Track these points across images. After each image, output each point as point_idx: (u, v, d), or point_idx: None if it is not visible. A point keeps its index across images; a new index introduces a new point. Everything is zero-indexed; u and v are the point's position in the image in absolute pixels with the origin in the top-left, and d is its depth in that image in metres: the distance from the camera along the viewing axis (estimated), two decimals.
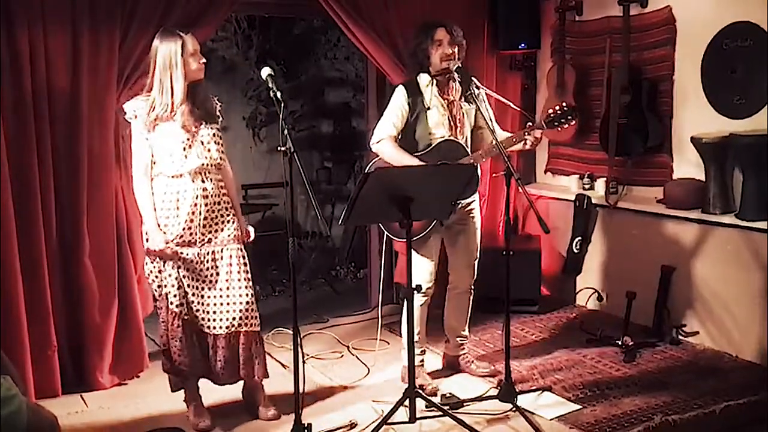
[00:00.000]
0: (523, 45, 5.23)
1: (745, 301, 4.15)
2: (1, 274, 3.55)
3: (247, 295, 3.43)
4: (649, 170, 4.76)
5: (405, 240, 3.34)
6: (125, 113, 3.39)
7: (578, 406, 3.61)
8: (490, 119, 3.60)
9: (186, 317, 3.41)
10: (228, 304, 3.42)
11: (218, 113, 3.49)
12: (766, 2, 3.96)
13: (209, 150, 3.38)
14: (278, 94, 3.12)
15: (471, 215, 3.89)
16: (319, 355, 4.40)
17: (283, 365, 4.18)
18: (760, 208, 4.02)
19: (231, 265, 3.43)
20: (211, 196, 3.39)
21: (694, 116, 4.45)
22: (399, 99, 3.74)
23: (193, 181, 3.34)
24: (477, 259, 3.96)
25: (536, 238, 5.24)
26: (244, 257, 3.47)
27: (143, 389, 3.92)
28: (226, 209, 3.46)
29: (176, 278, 3.38)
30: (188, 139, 3.33)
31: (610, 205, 4.87)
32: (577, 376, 3.98)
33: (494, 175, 5.00)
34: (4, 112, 3.58)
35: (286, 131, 3.03)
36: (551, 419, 3.49)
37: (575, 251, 5.15)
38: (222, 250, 3.42)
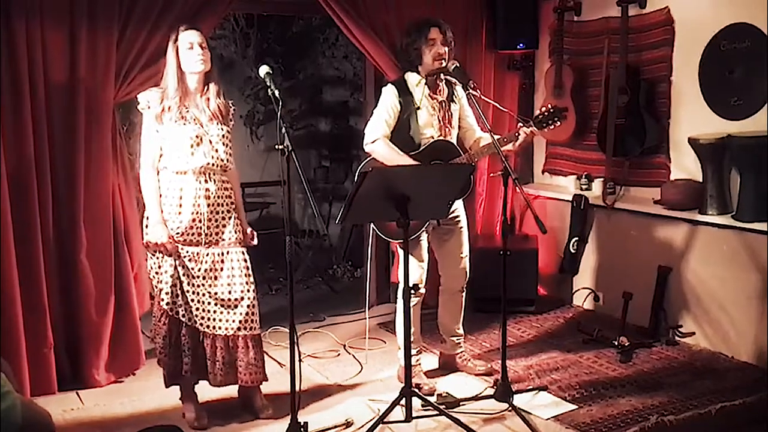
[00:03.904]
0: (521, 45, 5.24)
1: (741, 302, 4.15)
2: None
3: (248, 299, 3.43)
4: (647, 171, 4.76)
5: (398, 240, 3.34)
6: (138, 103, 3.40)
7: (574, 406, 3.61)
8: (484, 121, 3.58)
9: (175, 316, 3.41)
10: (229, 307, 3.41)
11: (231, 115, 3.49)
12: (765, 3, 3.96)
13: (217, 150, 3.38)
14: (276, 93, 3.12)
15: (456, 219, 3.89)
16: (315, 353, 4.40)
17: (279, 364, 4.18)
18: (757, 209, 4.02)
19: (233, 268, 3.42)
20: (213, 197, 3.38)
21: (692, 117, 4.45)
22: (390, 98, 3.73)
23: (197, 180, 3.34)
24: (467, 260, 3.95)
25: (533, 238, 5.25)
26: (246, 260, 3.47)
27: (139, 387, 3.92)
28: (229, 211, 3.45)
29: (172, 276, 3.38)
30: (197, 137, 3.33)
31: (608, 206, 4.87)
32: (573, 376, 3.99)
33: (492, 174, 5.01)
34: (2, 108, 3.57)
35: (283, 129, 3.03)
36: (547, 419, 3.49)
37: (572, 251, 5.16)
38: (223, 253, 3.42)
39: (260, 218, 6.36)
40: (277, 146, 3.05)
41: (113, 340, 3.96)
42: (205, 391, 3.57)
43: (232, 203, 3.48)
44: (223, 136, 3.41)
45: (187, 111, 3.34)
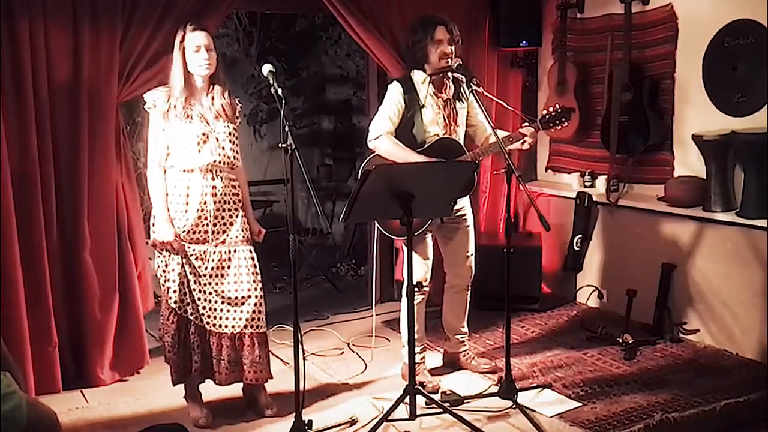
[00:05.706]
0: (524, 42, 5.22)
1: (745, 299, 4.15)
2: (2, 269, 3.55)
3: (255, 297, 3.44)
4: (650, 168, 4.75)
5: (402, 238, 3.33)
6: (145, 102, 3.40)
7: (578, 404, 3.61)
8: (487, 117, 3.58)
9: (183, 315, 3.42)
10: (236, 305, 3.42)
11: (237, 113, 3.50)
12: (767, 0, 3.95)
13: (223, 148, 3.39)
14: (279, 91, 3.12)
15: (463, 217, 3.88)
16: (319, 352, 4.40)
17: (283, 362, 4.18)
18: (761, 206, 4.01)
19: (240, 266, 3.43)
20: (220, 194, 3.39)
21: (696, 114, 4.44)
22: (395, 95, 3.72)
23: (204, 178, 3.35)
24: (473, 258, 3.95)
25: (537, 236, 5.24)
26: (253, 258, 3.47)
27: (143, 385, 3.92)
28: (236, 209, 3.46)
29: (179, 274, 3.39)
30: (203, 134, 3.34)
31: (611, 203, 4.86)
32: (578, 373, 3.98)
33: (495, 172, 5.00)
34: (5, 106, 3.58)
35: (287, 128, 3.03)
36: (551, 416, 3.49)
37: (576, 249, 5.15)
38: (230, 251, 3.42)
39: (264, 217, 6.36)
40: (280, 144, 3.05)
41: (117, 338, 3.97)
42: (209, 390, 3.58)
43: (239, 200, 3.49)
44: (230, 133, 3.42)
45: (193, 109, 3.35)
